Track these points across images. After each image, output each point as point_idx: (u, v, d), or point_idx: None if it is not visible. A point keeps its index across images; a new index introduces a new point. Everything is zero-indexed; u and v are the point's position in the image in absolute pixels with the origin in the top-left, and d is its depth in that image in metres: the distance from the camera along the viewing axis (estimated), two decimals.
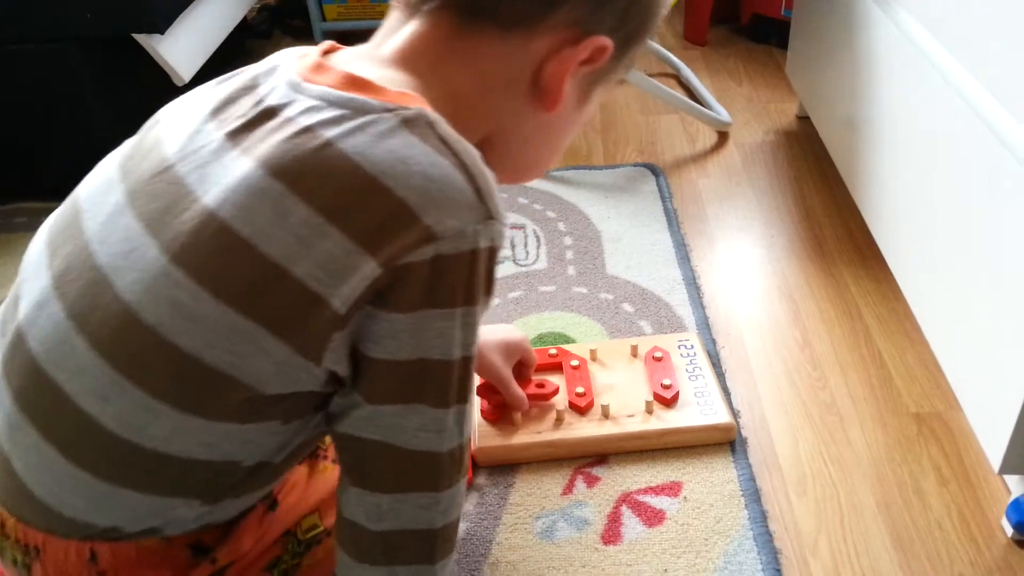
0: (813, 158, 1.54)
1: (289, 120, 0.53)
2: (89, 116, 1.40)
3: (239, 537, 0.62)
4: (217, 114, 0.56)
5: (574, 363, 1.05)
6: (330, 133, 0.51)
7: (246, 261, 0.50)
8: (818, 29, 1.44)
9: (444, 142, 0.52)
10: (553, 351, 1.08)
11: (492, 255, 0.54)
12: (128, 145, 0.60)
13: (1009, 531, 0.86)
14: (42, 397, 0.54)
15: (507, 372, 0.97)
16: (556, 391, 1.01)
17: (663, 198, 1.45)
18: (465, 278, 0.52)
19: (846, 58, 1.27)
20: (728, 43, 2.05)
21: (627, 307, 1.21)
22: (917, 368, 1.07)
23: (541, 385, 1.01)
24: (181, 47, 1.46)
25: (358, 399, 0.55)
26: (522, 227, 1.41)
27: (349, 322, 0.52)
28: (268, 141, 0.52)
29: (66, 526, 0.56)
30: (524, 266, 1.31)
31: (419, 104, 0.54)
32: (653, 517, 0.90)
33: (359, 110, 0.52)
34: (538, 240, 1.37)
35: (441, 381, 0.55)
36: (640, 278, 1.26)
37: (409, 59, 0.58)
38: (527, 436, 0.97)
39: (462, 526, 0.90)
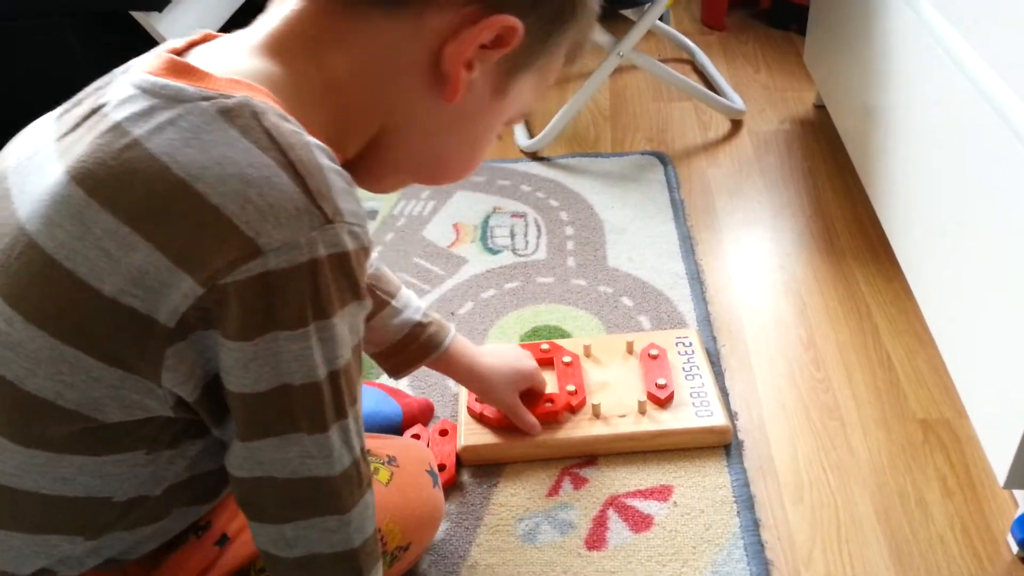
0: (829, 149, 1.49)
1: (104, 116, 0.48)
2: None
3: (167, 571, 0.59)
4: (62, 116, 0.52)
5: (566, 359, 1.02)
6: (138, 131, 0.46)
7: (54, 281, 0.45)
8: (837, 15, 1.38)
9: (269, 136, 0.46)
10: (545, 346, 1.04)
11: (342, 261, 0.46)
12: None
13: (1014, 548, 0.81)
14: None
15: (515, 401, 0.93)
16: (567, 406, 0.96)
17: (670, 188, 1.41)
18: (310, 293, 0.46)
19: (864, 46, 1.21)
20: (747, 28, 2.00)
21: (626, 301, 1.17)
22: (926, 372, 1.03)
23: (550, 400, 0.97)
24: (180, 26, 1.43)
25: (230, 436, 0.50)
26: (523, 216, 1.37)
27: (184, 339, 0.46)
28: (82, 142, 0.47)
29: None
30: (523, 256, 1.28)
31: (248, 92, 0.47)
32: (640, 522, 0.86)
33: (172, 99, 0.47)
34: (539, 229, 1.33)
35: (312, 405, 0.49)
36: (642, 271, 1.22)
37: (280, 45, 0.51)
38: (514, 435, 0.94)
39: (443, 526, 0.87)
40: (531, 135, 1.56)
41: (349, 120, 0.52)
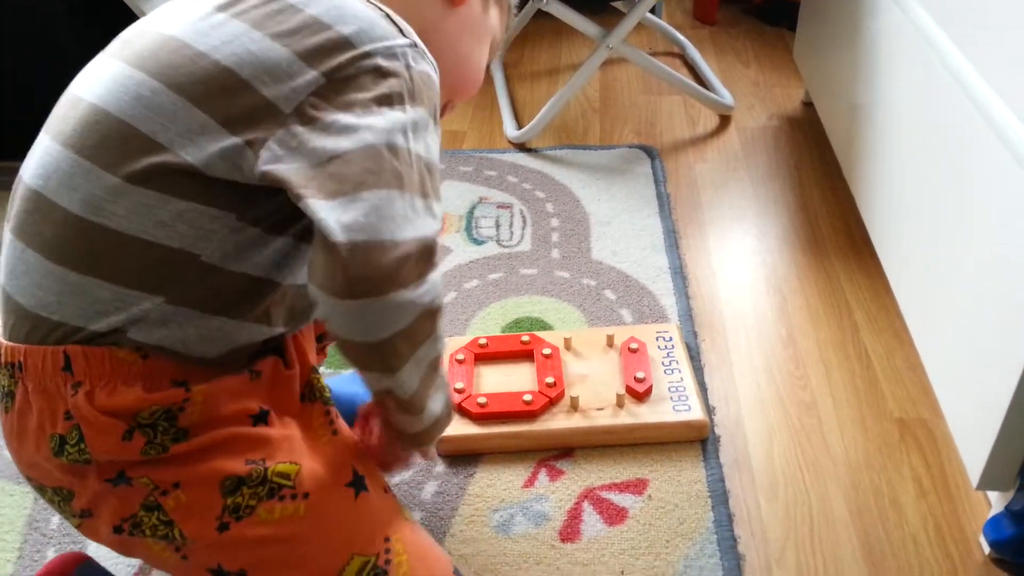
0: (816, 146, 1.49)
1: None
2: (70, 77, 1.36)
3: (220, 385, 0.61)
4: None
5: (546, 351, 1.02)
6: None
7: (201, 67, 0.58)
8: (826, 13, 1.38)
9: (379, 8, 0.63)
10: (526, 338, 1.04)
11: (424, 77, 0.62)
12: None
13: (986, 548, 0.82)
14: (32, 213, 0.60)
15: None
16: (545, 407, 0.95)
17: (657, 182, 1.41)
18: (407, 86, 0.61)
19: (852, 44, 1.21)
20: (738, 23, 1.99)
21: (609, 294, 1.17)
22: (905, 371, 1.03)
23: (552, 386, 0.97)
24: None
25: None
26: (509, 207, 1.36)
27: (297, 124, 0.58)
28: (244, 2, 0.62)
29: (43, 331, 0.59)
30: (507, 247, 1.27)
31: None
32: (615, 515, 0.87)
33: None
34: (524, 221, 1.33)
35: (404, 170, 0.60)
36: (625, 264, 1.22)
37: None
38: (491, 426, 0.94)
39: (417, 515, 0.87)
40: (519, 125, 1.56)
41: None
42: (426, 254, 0.58)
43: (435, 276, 0.59)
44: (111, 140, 0.58)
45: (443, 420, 0.69)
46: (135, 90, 0.58)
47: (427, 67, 0.63)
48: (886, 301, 1.12)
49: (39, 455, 0.60)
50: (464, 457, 0.94)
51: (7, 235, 0.62)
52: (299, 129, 0.57)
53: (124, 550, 0.64)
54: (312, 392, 0.69)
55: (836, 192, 1.36)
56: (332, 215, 0.55)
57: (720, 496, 0.88)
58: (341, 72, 0.59)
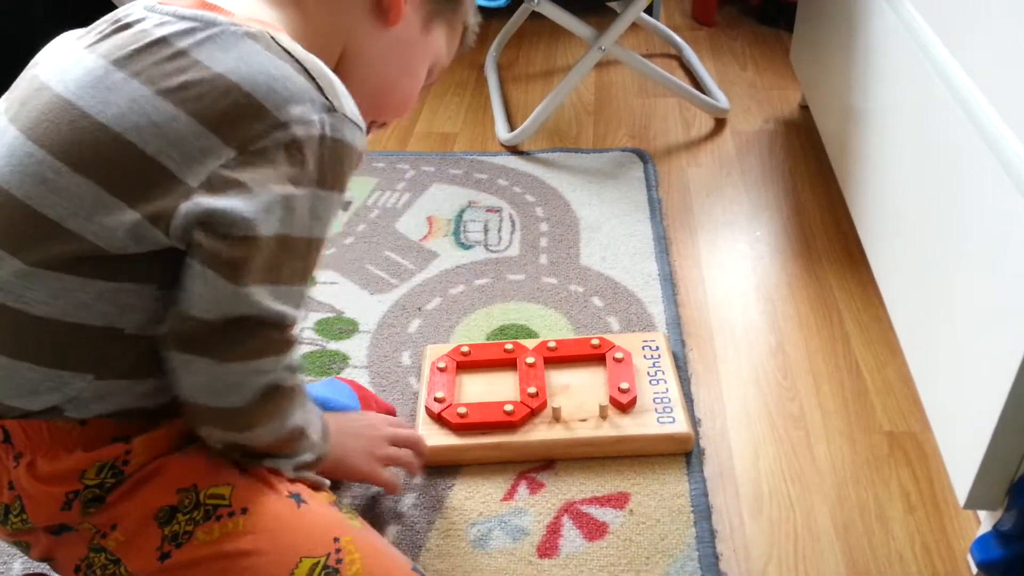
0: (811, 150, 1.47)
1: (144, 31, 0.59)
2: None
3: (159, 432, 0.62)
4: (82, 37, 0.62)
5: (529, 360, 1.00)
6: (183, 43, 0.58)
7: (102, 141, 0.56)
8: (822, 16, 1.35)
9: (286, 51, 0.59)
10: (509, 346, 1.02)
11: (338, 147, 0.59)
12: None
13: (974, 568, 0.80)
14: None
15: (372, 468, 0.81)
16: (525, 418, 0.93)
17: (649, 186, 1.39)
18: (318, 161, 0.58)
19: (847, 48, 1.19)
20: (736, 25, 1.97)
21: (597, 301, 1.15)
22: (895, 383, 1.01)
23: (535, 396, 0.95)
24: None
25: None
26: (498, 210, 1.35)
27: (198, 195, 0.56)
28: (124, 47, 0.58)
29: None
30: (495, 252, 1.25)
31: (264, 26, 0.60)
32: (595, 530, 0.85)
33: (208, 23, 0.59)
34: (513, 225, 1.31)
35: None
36: (614, 271, 1.20)
37: None
38: (471, 437, 0.92)
39: (393, 529, 0.85)
40: (512, 128, 1.54)
41: (317, 47, 0.63)
42: (288, 330, 0.60)
43: (291, 357, 0.61)
44: (18, 226, 0.57)
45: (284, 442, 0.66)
46: (38, 172, 0.57)
47: (345, 133, 0.60)
48: (879, 311, 1.10)
49: None
50: (443, 468, 0.92)
51: None
52: (204, 199, 0.56)
53: None
54: None
55: (830, 198, 1.33)
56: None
57: (703, 511, 0.86)
58: (254, 144, 0.56)
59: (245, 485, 0.63)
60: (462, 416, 0.93)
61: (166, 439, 0.63)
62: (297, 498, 0.65)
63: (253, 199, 0.56)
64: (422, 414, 0.95)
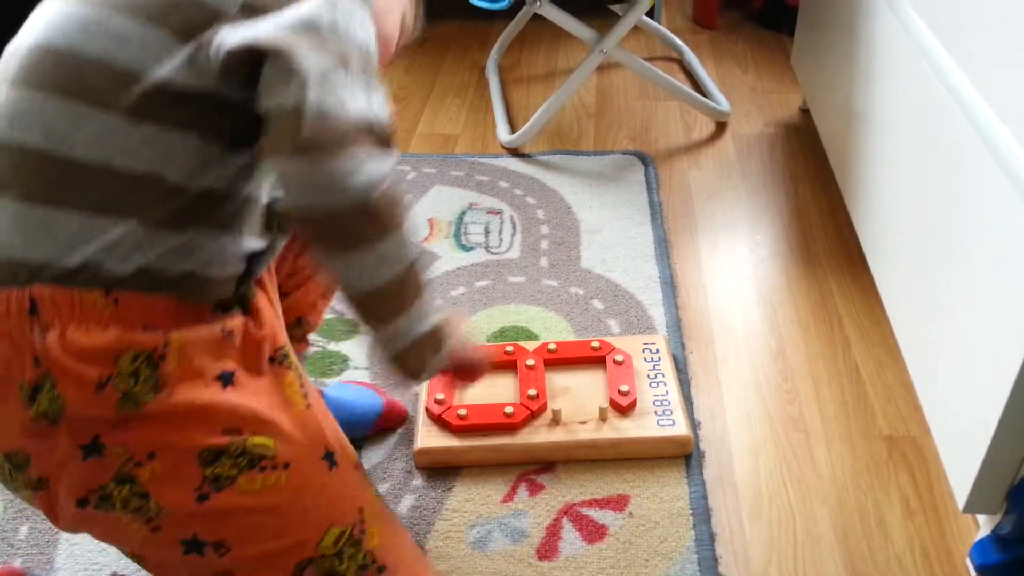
0: (812, 154, 1.47)
1: None
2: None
3: (194, 334, 0.59)
4: None
5: (530, 362, 1.00)
6: None
7: None
8: (824, 19, 1.36)
9: None
10: (510, 348, 1.02)
11: None
12: None
13: (973, 573, 0.80)
14: None
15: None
16: (525, 420, 0.93)
17: (649, 189, 1.39)
18: None
19: (848, 51, 1.19)
20: (738, 28, 1.97)
21: (597, 304, 1.15)
22: (895, 387, 1.01)
23: (535, 398, 0.95)
24: None
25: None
26: (499, 212, 1.35)
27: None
28: None
29: (6, 272, 0.57)
30: (496, 254, 1.26)
31: None
32: (594, 532, 0.85)
33: None
34: (514, 227, 1.31)
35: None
36: (615, 273, 1.20)
37: None
38: (471, 439, 0.92)
39: None
40: (513, 130, 1.54)
41: None
42: (380, 136, 0.59)
43: (389, 162, 0.59)
44: (63, 71, 0.58)
45: (423, 345, 0.65)
46: (86, 18, 0.58)
47: None
48: (879, 315, 1.10)
49: (4, 408, 0.57)
50: (443, 470, 0.92)
51: None
52: (243, 21, 0.58)
53: (77, 526, 0.62)
54: (284, 360, 0.67)
55: (831, 201, 1.34)
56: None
57: (702, 514, 0.86)
58: None
59: (289, 437, 0.62)
60: (462, 418, 0.93)
61: (199, 351, 0.60)
62: (331, 459, 0.65)
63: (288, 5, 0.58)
64: (422, 415, 0.95)
